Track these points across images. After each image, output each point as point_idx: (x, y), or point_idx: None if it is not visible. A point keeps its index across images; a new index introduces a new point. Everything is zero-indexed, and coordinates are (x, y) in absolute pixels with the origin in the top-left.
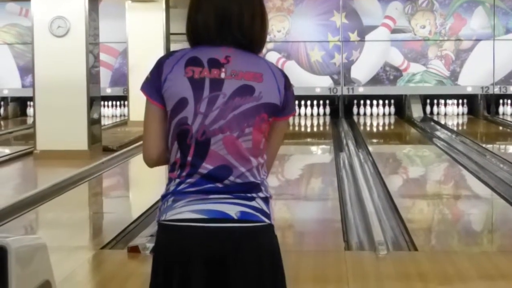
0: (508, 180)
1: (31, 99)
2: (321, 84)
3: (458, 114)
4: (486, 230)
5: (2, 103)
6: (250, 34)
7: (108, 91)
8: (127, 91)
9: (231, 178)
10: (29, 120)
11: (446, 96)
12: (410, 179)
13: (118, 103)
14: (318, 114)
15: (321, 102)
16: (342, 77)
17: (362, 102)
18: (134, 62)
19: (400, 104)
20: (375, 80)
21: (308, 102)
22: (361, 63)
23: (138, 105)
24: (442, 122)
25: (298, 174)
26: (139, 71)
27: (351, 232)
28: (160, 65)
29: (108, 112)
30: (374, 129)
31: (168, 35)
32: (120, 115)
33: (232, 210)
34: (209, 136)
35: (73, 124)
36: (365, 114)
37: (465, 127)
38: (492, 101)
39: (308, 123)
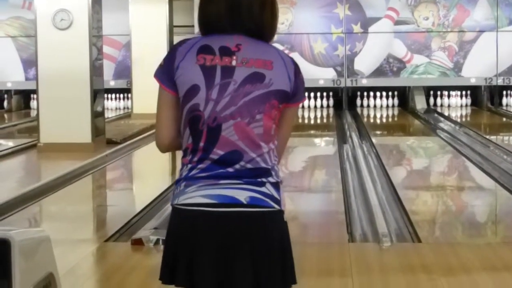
0: (511, 171)
1: (35, 92)
2: (325, 76)
3: (461, 106)
4: (490, 222)
5: (5, 96)
6: (260, 23)
7: (112, 83)
8: (130, 83)
9: (242, 163)
10: (33, 113)
11: (449, 87)
12: (413, 170)
13: (121, 95)
14: (322, 106)
15: (324, 94)
16: (346, 69)
17: (365, 94)
18: (137, 54)
19: (403, 95)
20: (378, 71)
21: (312, 94)
22: (364, 55)
23: (141, 97)
24: (446, 113)
25: (301, 166)
26: (143, 63)
27: (355, 224)
28: (173, 52)
29: (112, 105)
30: (378, 121)
31: (171, 27)
32: (124, 108)
33: (242, 195)
34: (220, 122)
35: (77, 117)
36: (368, 106)
37: (468, 118)
38: (495, 92)
39: (312, 115)
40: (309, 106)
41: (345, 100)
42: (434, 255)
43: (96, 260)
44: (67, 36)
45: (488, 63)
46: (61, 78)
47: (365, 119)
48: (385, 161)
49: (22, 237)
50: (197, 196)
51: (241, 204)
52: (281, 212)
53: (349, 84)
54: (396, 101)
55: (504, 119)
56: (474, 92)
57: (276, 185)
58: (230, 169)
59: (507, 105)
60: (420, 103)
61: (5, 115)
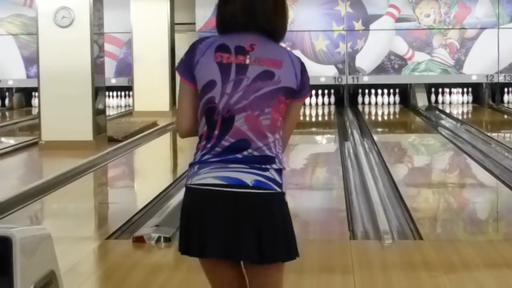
0: None
1: (36, 89)
2: (326, 73)
3: (463, 103)
4: (491, 219)
5: (7, 93)
6: (273, 23)
7: (113, 81)
8: (132, 81)
9: (250, 150)
10: (34, 111)
11: (451, 84)
12: (415, 168)
13: (123, 93)
14: (323, 104)
15: (326, 91)
16: (347, 66)
17: (367, 91)
18: (138, 52)
19: (405, 93)
20: (380, 69)
21: (313, 92)
22: (365, 52)
23: (143, 95)
24: (447, 110)
25: (303, 163)
26: (144, 61)
27: (356, 221)
28: (193, 49)
29: (113, 103)
30: (379, 118)
31: (172, 25)
32: (125, 106)
33: (248, 178)
34: (234, 113)
35: (78, 115)
36: (370, 103)
37: (470, 115)
38: (497, 90)
39: (313, 112)
40: (310, 104)
41: (346, 97)
42: (436, 252)
43: (97, 257)
44: (68, 34)
45: (489, 60)
46: (63, 76)
47: (367, 117)
48: (387, 159)
49: (24, 235)
50: (208, 177)
51: (247, 186)
52: (282, 194)
53: (350, 81)
54: (397, 98)
55: (506, 116)
56: (475, 89)
57: (279, 171)
58: (239, 155)
59: (508, 102)
60: (421, 100)
61: (7, 113)
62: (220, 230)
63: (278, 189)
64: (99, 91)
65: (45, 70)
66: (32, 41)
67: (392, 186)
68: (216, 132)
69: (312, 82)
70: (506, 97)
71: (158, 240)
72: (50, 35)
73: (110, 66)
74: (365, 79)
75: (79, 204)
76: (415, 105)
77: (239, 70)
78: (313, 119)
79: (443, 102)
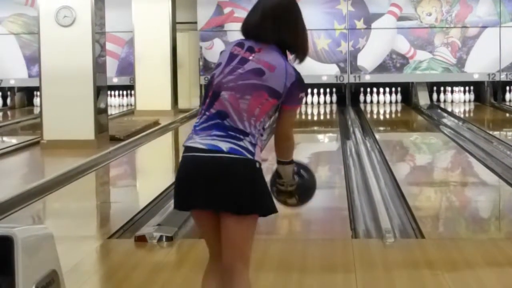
0: None
1: (38, 89)
2: (328, 72)
3: (465, 101)
4: (493, 217)
5: (9, 93)
6: (283, 38)
7: (115, 80)
8: (133, 80)
9: (228, 120)
10: (36, 110)
11: (452, 83)
12: (417, 166)
13: (124, 92)
14: (325, 102)
15: (327, 90)
16: (349, 65)
17: (368, 90)
18: (140, 51)
19: (406, 91)
20: (381, 67)
21: (315, 90)
22: (367, 51)
23: (144, 94)
24: (449, 109)
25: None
26: (146, 60)
27: (358, 220)
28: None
29: (115, 102)
30: (381, 117)
31: (174, 24)
32: (127, 105)
33: (224, 146)
34: (221, 90)
35: (80, 114)
36: (371, 102)
37: (472, 114)
38: (498, 88)
39: (315, 111)
40: (312, 103)
41: (348, 96)
42: (438, 250)
43: (99, 257)
44: (70, 33)
45: (491, 58)
46: (64, 75)
47: (368, 115)
48: (389, 157)
49: (26, 234)
50: (197, 141)
51: (222, 151)
52: (253, 161)
53: (352, 80)
54: (399, 97)
55: (507, 114)
56: (477, 87)
57: (253, 144)
58: (220, 122)
59: (510, 101)
60: (423, 99)
61: (8, 112)
62: (202, 186)
63: (250, 156)
64: (100, 90)
65: (47, 69)
66: (33, 41)
67: (394, 185)
68: (207, 101)
69: (314, 81)
70: (508, 96)
71: (160, 239)
72: (52, 34)
73: (111, 65)
74: (367, 78)
75: (81, 203)
76: (417, 104)
77: (241, 61)
78: (315, 118)
79: (445, 101)
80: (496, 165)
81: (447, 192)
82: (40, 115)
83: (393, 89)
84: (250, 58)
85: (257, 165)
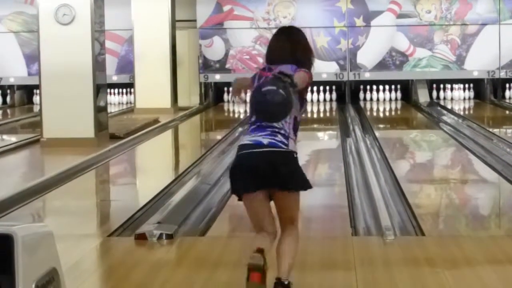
0: None
1: (38, 87)
2: (327, 70)
3: (464, 99)
4: (494, 215)
5: (8, 91)
6: (296, 60)
7: (114, 78)
8: (133, 78)
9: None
10: (36, 108)
11: (452, 80)
12: (417, 164)
13: (124, 90)
14: (325, 100)
15: (327, 88)
16: (348, 62)
17: (368, 87)
18: (140, 49)
19: (406, 89)
20: (381, 65)
21: (315, 88)
22: (367, 49)
23: (144, 92)
24: (449, 106)
25: (305, 160)
26: (145, 58)
27: (358, 218)
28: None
29: (115, 100)
30: (381, 115)
31: (173, 22)
32: (127, 103)
33: (265, 140)
34: None
35: (80, 112)
36: (371, 99)
37: (471, 111)
38: (498, 85)
39: (315, 109)
40: (312, 100)
41: (348, 93)
42: (438, 248)
43: (99, 255)
44: (69, 31)
45: (490, 56)
46: (64, 73)
47: (368, 113)
48: (388, 155)
49: (25, 232)
50: (246, 139)
51: (264, 145)
52: (288, 151)
53: (352, 77)
54: (399, 94)
55: (507, 112)
56: (477, 85)
57: (286, 137)
58: (264, 125)
59: (510, 98)
60: (423, 96)
61: (8, 111)
62: (252, 175)
63: (284, 147)
64: (100, 88)
65: (46, 67)
66: (33, 39)
67: (394, 182)
68: (251, 117)
69: (313, 78)
70: (507, 93)
71: (160, 237)
72: (51, 33)
73: (111, 63)
74: (367, 76)
75: (81, 201)
76: (416, 101)
77: (265, 79)
78: (315, 116)
79: (444, 98)
80: (496, 162)
81: (447, 190)
82: (40, 113)
83: (393, 86)
84: (269, 74)
85: (294, 155)
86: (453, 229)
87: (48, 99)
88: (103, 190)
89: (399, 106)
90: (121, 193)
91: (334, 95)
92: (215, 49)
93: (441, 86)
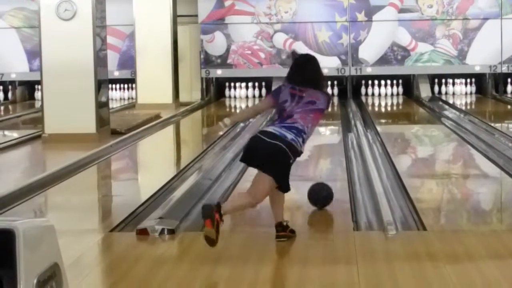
0: None
1: (39, 82)
2: (329, 64)
3: (466, 93)
4: (495, 209)
5: (10, 87)
6: (315, 85)
7: (116, 74)
8: (134, 74)
9: (295, 125)
10: (37, 104)
11: (454, 75)
12: (418, 159)
13: (125, 86)
14: None
15: (329, 82)
16: (350, 57)
17: (370, 82)
18: (141, 44)
19: (408, 84)
20: (383, 60)
21: None
22: (368, 43)
23: (145, 88)
24: (451, 101)
25: (306, 155)
26: (147, 53)
27: (360, 212)
28: (280, 86)
29: (116, 95)
30: (383, 109)
31: (175, 17)
32: (128, 98)
33: (276, 131)
34: (293, 113)
35: (81, 107)
36: (373, 94)
37: (473, 106)
38: (500, 80)
39: None
40: None
41: (349, 88)
42: (440, 243)
43: (101, 250)
44: (71, 27)
45: (492, 50)
46: (65, 69)
47: (370, 108)
48: (390, 150)
49: (27, 228)
50: (267, 127)
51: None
52: (291, 144)
53: (353, 72)
54: (400, 89)
55: (509, 106)
56: (478, 79)
57: (300, 133)
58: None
59: (511, 93)
60: (424, 91)
61: (10, 106)
62: (259, 155)
63: (289, 141)
64: (102, 84)
65: (48, 63)
66: (34, 34)
67: (395, 177)
68: (282, 117)
69: None
70: (509, 87)
71: (161, 232)
72: (53, 28)
73: (112, 59)
74: (368, 70)
75: (82, 196)
76: (418, 96)
77: (299, 97)
78: None
79: (446, 93)
80: (497, 157)
81: (448, 184)
82: (41, 109)
83: (395, 81)
84: (304, 95)
85: (290, 151)
86: (455, 223)
87: (50, 95)
88: (105, 185)
89: (400, 101)
90: (122, 189)
91: (335, 90)
92: (216, 44)
93: (443, 80)
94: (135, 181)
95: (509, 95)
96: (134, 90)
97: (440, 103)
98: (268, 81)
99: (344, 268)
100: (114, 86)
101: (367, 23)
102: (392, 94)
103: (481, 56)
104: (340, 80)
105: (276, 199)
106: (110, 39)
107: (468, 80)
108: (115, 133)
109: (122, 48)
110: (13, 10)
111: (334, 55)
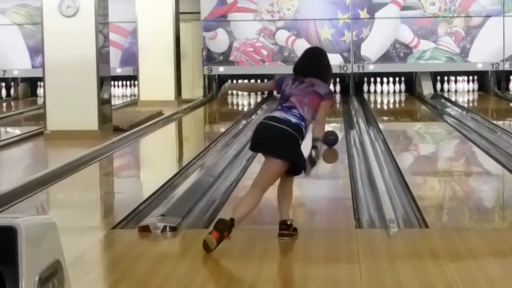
0: None
1: (41, 79)
2: (331, 62)
3: (468, 91)
4: (498, 207)
5: (12, 83)
6: (317, 73)
7: (118, 71)
8: (137, 70)
9: (294, 110)
10: (40, 101)
11: (456, 72)
12: (420, 156)
13: (128, 82)
14: None
15: (331, 80)
16: (352, 54)
17: (372, 79)
18: (144, 41)
19: (410, 81)
20: (385, 57)
21: None
22: (371, 41)
23: (148, 84)
24: (453, 99)
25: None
26: (149, 50)
27: (362, 210)
28: (284, 77)
29: (118, 92)
30: (385, 107)
31: (177, 14)
32: (130, 95)
33: (280, 115)
34: (291, 95)
35: (84, 104)
36: (375, 91)
37: (475, 103)
38: (502, 77)
39: None
40: None
41: (352, 86)
42: (442, 240)
43: (103, 247)
44: (73, 24)
45: (494, 48)
46: (68, 66)
47: (372, 105)
48: (392, 147)
49: (29, 225)
50: (271, 113)
51: (277, 121)
52: (296, 127)
53: (356, 70)
54: (403, 86)
55: (511, 104)
56: (481, 77)
57: (302, 119)
58: (286, 107)
59: None
60: (427, 88)
61: (12, 103)
62: (265, 139)
63: (293, 124)
64: (104, 80)
65: (50, 60)
66: (37, 31)
67: (398, 175)
68: (281, 101)
69: None
70: (511, 85)
71: (164, 229)
72: (55, 25)
73: (115, 56)
74: (371, 68)
75: (85, 194)
76: (420, 94)
77: (300, 82)
78: None
79: (448, 90)
80: (500, 154)
81: (451, 182)
82: (43, 105)
83: (397, 79)
84: (305, 80)
85: (298, 131)
86: (457, 221)
87: (52, 92)
88: (107, 182)
89: (403, 98)
90: (125, 186)
91: (338, 87)
92: (219, 42)
93: (445, 78)
94: (137, 178)
95: (511, 93)
96: (136, 87)
97: (442, 100)
98: (270, 78)
99: (346, 266)
100: (116, 83)
101: (369, 21)
102: (394, 92)
103: (484, 54)
104: (343, 78)
105: (285, 192)
106: (112, 36)
107: (471, 78)
108: (117, 130)
109: (125, 45)
110: (15, 7)
111: (336, 52)
